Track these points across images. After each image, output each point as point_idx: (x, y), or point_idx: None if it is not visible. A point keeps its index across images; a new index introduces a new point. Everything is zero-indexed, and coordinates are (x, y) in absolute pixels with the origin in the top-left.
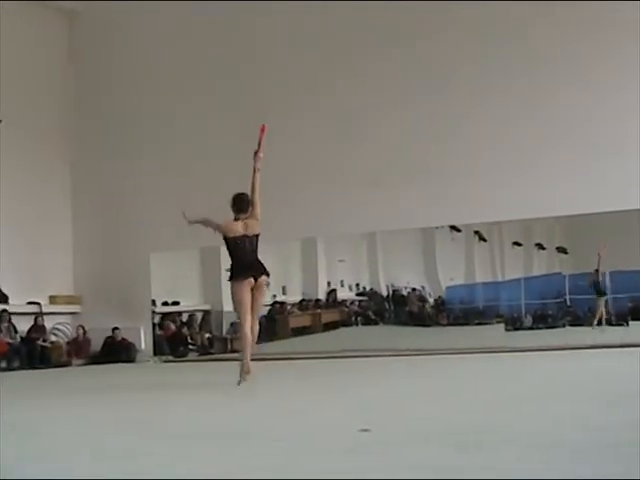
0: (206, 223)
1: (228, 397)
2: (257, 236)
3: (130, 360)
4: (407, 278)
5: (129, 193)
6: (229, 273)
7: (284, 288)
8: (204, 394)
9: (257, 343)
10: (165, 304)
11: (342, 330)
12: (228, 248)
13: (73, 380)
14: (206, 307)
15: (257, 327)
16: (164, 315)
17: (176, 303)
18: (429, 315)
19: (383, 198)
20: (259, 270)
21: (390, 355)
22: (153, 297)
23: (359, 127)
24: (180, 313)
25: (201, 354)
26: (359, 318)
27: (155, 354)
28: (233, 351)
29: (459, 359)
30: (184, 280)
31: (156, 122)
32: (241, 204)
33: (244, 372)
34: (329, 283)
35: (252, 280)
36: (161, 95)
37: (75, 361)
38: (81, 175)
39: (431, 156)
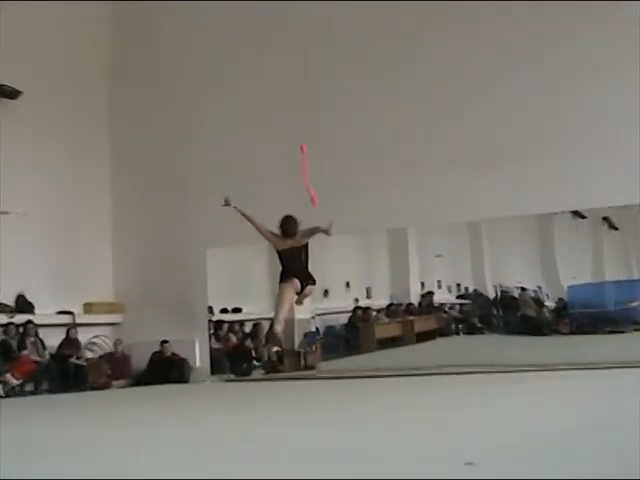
0: (251, 220)
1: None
2: (305, 246)
3: (183, 380)
4: (519, 277)
5: (180, 178)
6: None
7: (368, 290)
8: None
9: None
10: (225, 311)
11: (440, 341)
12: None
13: (101, 411)
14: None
15: None
16: (223, 325)
17: (238, 310)
18: (547, 322)
19: (489, 180)
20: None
21: (499, 371)
22: (210, 303)
23: (461, 100)
24: (243, 322)
25: (268, 372)
26: (460, 326)
27: (213, 372)
28: (307, 367)
29: (586, 376)
30: (248, 282)
31: (218, 102)
32: (287, 228)
33: None
34: (423, 284)
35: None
36: (225, 70)
37: (116, 382)
38: (123, 156)
39: (546, 131)
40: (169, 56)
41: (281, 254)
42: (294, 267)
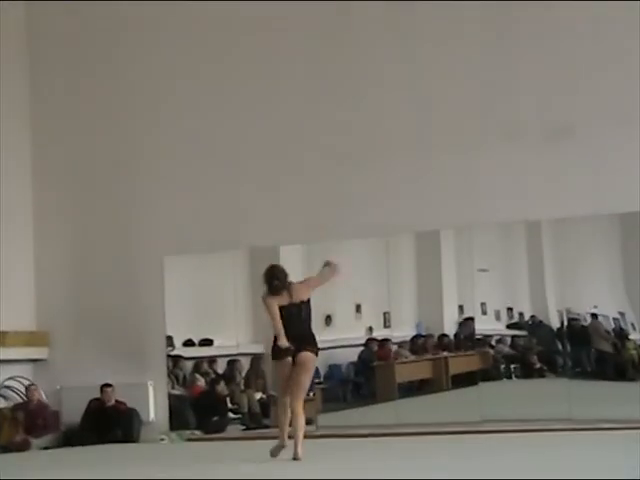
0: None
1: None
2: (307, 303)
3: (130, 438)
4: (594, 299)
5: (121, 165)
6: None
7: (386, 316)
8: None
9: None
10: (189, 344)
11: (484, 387)
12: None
13: None
14: (257, 349)
15: (297, 419)
16: (186, 362)
17: (207, 342)
18: (632, 361)
19: (553, 165)
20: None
21: (564, 429)
22: (169, 332)
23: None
24: (214, 359)
25: (249, 427)
26: (512, 366)
27: (172, 428)
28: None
29: None
30: (222, 303)
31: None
32: (277, 280)
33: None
34: (462, 308)
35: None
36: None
37: (37, 441)
38: (45, 144)
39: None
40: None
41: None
42: (290, 328)
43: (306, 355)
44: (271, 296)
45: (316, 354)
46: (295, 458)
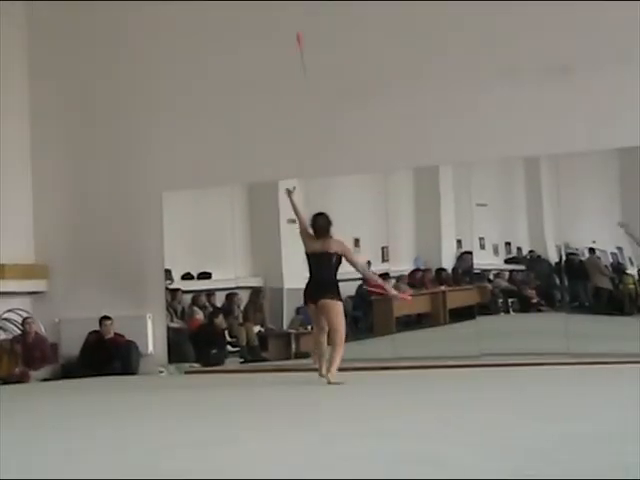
0: (298, 215)
1: None
2: (336, 255)
3: (129, 370)
4: (592, 234)
5: (118, 98)
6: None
7: (384, 251)
8: None
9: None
10: (188, 277)
11: (482, 321)
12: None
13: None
14: (256, 282)
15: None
16: (185, 295)
17: (206, 275)
18: (630, 296)
19: (553, 98)
20: (323, 293)
21: (561, 363)
22: (167, 266)
23: None
24: (212, 292)
25: (247, 360)
26: (510, 300)
27: (170, 360)
28: (299, 355)
29: None
30: (221, 237)
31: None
32: (320, 229)
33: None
34: (460, 242)
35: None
36: None
37: (35, 373)
38: (43, 81)
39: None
40: None
41: (311, 258)
42: (319, 278)
43: (324, 302)
44: (309, 235)
45: (338, 300)
46: (322, 376)
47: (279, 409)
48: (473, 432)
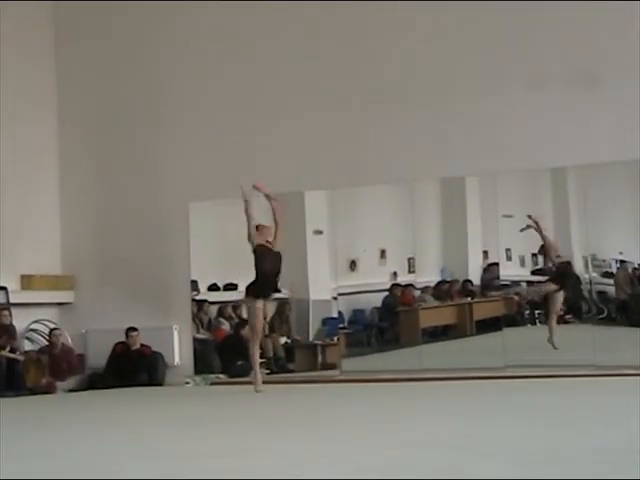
0: (246, 208)
1: None
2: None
3: (155, 382)
4: (619, 245)
5: (147, 111)
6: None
7: (411, 262)
8: None
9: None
10: (214, 288)
11: (508, 332)
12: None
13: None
14: (282, 294)
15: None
16: (211, 307)
17: (232, 286)
18: None
19: (579, 108)
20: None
21: (587, 375)
22: (194, 277)
23: None
24: (238, 304)
25: (273, 371)
26: (537, 312)
27: (197, 372)
28: (326, 366)
29: None
30: (246, 249)
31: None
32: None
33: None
34: (486, 253)
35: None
36: None
37: (62, 384)
38: (71, 90)
39: None
40: None
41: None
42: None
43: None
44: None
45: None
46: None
47: (302, 420)
48: (503, 443)
